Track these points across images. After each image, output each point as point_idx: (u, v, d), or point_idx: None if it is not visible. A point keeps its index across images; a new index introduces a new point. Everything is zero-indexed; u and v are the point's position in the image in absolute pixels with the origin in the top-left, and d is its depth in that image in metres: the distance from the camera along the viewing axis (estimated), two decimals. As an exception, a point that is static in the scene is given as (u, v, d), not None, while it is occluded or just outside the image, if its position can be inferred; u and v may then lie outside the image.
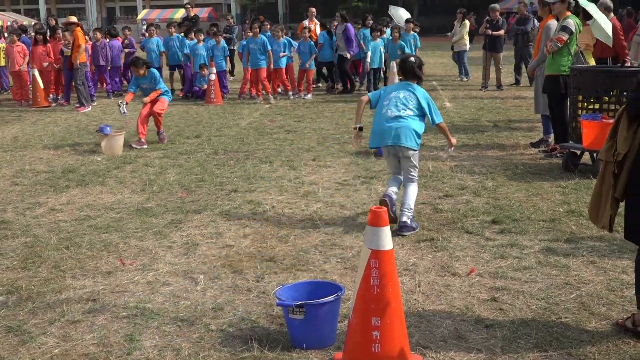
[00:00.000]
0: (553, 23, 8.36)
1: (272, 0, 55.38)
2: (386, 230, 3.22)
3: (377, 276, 3.20)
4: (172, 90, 16.49)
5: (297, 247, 5.14)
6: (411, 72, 5.54)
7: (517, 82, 16.42)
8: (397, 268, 3.85)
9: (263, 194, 6.77)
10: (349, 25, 14.96)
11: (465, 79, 18.19)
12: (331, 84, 15.89)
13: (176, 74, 16.61)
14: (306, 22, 16.53)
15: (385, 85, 14.36)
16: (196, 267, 4.80)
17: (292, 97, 14.69)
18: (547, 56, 8.15)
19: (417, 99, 5.44)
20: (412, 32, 15.73)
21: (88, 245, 5.26)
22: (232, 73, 18.79)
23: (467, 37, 17.92)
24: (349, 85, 15.34)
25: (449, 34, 18.48)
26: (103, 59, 15.61)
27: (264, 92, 14.48)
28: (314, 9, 16.91)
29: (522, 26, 15.37)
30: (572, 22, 7.90)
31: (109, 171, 7.98)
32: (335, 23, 15.50)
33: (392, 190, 5.54)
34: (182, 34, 16.06)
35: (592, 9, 8.72)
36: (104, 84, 16.16)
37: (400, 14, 18.48)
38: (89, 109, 13.62)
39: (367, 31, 15.41)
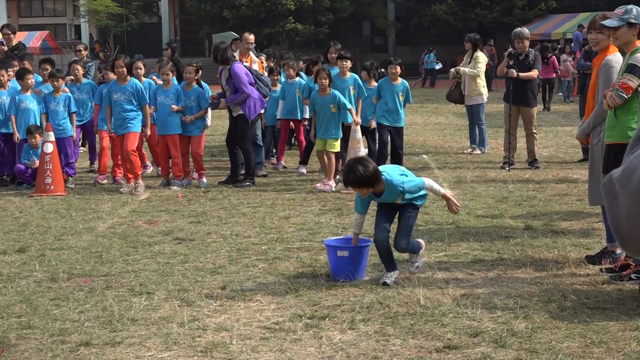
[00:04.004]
0: (616, 59, 8.76)
1: (152, 21, 56.83)
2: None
3: None
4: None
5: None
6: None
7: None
8: None
9: (135, 349, 6.68)
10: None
11: (479, 152, 18.63)
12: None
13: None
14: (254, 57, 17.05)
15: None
16: None
17: (177, 186, 14.88)
18: (608, 113, 8.49)
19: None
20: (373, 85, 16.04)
21: None
22: (83, 142, 18.86)
23: (483, 81, 18.40)
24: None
25: (453, 72, 18.97)
26: None
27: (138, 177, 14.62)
28: (251, 37, 17.41)
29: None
30: (647, 58, 8.32)
31: None
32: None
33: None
34: None
35: None
36: None
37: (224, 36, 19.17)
38: None
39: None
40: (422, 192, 8.47)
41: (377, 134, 15.69)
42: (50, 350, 6.70)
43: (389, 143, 15.43)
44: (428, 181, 8.45)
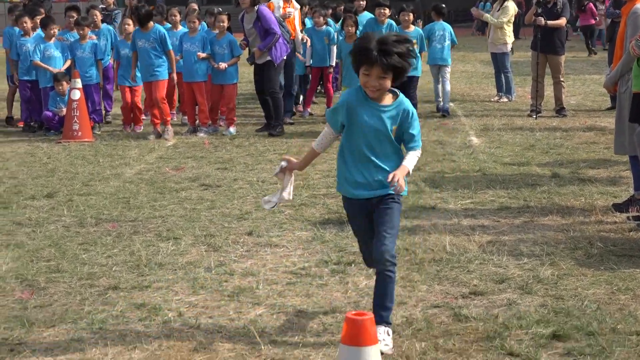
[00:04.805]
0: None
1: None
2: (372, 352, 3.24)
3: None
4: (10, 118, 16.59)
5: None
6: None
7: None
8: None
9: (162, 293, 6.73)
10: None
11: (506, 100, 18.55)
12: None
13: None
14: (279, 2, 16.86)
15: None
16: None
17: (204, 133, 14.93)
18: (634, 62, 8.40)
19: None
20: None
21: None
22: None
23: (510, 29, 18.30)
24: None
25: (477, 12, 18.83)
26: None
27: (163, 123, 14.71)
28: None
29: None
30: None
31: None
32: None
33: None
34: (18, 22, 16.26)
35: None
36: None
37: None
38: None
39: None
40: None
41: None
42: (79, 293, 6.76)
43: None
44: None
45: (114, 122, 16.81)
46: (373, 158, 5.63)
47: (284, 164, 5.95)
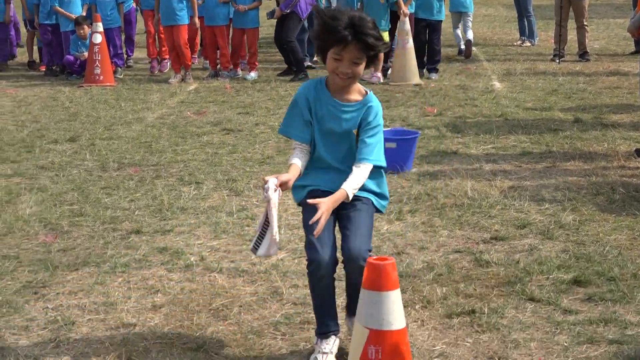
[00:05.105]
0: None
1: None
2: (393, 297, 3.24)
3: (380, 374, 3.21)
4: (32, 62, 16.63)
5: (243, 327, 5.13)
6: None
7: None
8: (413, 361, 3.87)
9: (185, 237, 6.77)
10: None
11: (529, 44, 18.43)
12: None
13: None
14: None
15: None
16: (70, 362, 4.76)
17: (225, 77, 14.89)
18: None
19: None
20: None
21: None
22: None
23: None
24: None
25: None
26: None
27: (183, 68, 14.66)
28: None
29: None
30: None
31: None
32: None
33: None
34: None
35: None
36: None
37: None
38: None
39: None
40: (384, 186, 4.79)
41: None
42: (102, 237, 6.80)
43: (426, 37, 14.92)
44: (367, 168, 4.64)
45: (135, 67, 16.82)
46: (336, 165, 4.67)
47: (271, 184, 4.38)
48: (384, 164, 4.63)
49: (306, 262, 4.54)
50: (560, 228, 6.77)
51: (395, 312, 3.23)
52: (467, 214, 7.19)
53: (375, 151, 4.57)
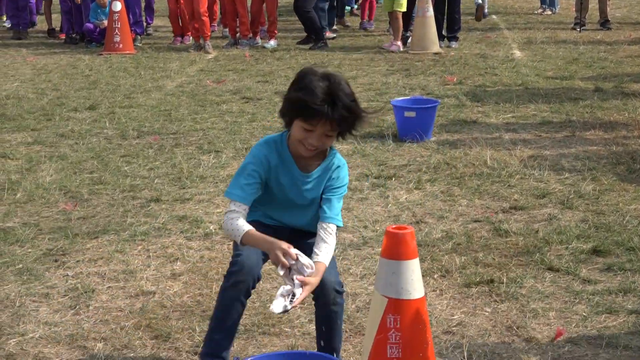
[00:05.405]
0: None
1: None
2: (412, 266, 3.24)
3: (398, 343, 3.21)
4: (52, 30, 16.66)
5: (263, 296, 5.14)
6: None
7: None
8: (432, 330, 3.87)
9: (204, 206, 6.78)
10: None
11: (550, 12, 18.34)
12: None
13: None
14: None
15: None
16: (91, 329, 4.79)
17: (245, 45, 14.87)
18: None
19: None
20: None
21: None
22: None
23: None
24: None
25: None
26: None
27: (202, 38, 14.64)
28: None
29: None
30: None
31: (-60, 167, 7.97)
32: None
33: None
34: None
35: None
36: None
37: None
38: None
39: None
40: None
41: None
42: (122, 205, 6.82)
43: (445, 6, 14.81)
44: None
45: (155, 35, 16.81)
46: (298, 228, 4.18)
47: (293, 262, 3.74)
48: (342, 224, 4.09)
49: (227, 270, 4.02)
50: (580, 198, 6.74)
51: (414, 281, 3.23)
52: (487, 183, 7.17)
53: (339, 211, 4.06)
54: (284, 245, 3.73)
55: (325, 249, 3.91)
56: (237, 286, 3.92)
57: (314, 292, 3.89)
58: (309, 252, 3.88)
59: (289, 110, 3.89)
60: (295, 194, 4.00)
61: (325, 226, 3.97)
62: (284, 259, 3.69)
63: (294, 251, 3.72)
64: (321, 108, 3.74)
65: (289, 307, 3.67)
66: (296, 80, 3.89)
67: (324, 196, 4.01)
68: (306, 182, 3.98)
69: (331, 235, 3.97)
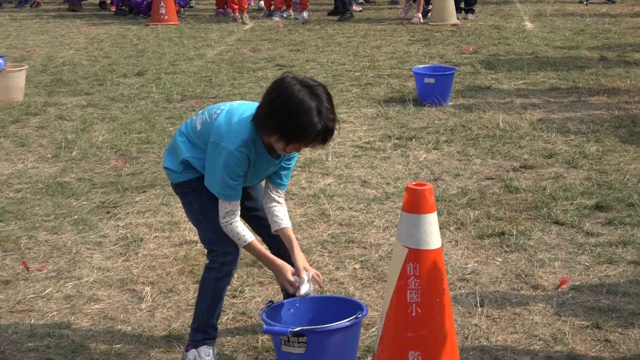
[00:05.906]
0: None
1: None
2: (431, 219, 3.25)
3: (417, 289, 3.24)
4: (103, 3, 16.68)
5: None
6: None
7: None
8: (448, 277, 3.89)
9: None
10: None
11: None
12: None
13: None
14: None
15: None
16: (139, 274, 4.85)
17: (279, 17, 14.82)
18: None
19: None
20: None
21: (-27, 241, 5.32)
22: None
23: None
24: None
25: None
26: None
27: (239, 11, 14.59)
28: None
29: None
30: None
31: (3, 127, 8.02)
32: None
33: None
34: None
35: None
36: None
37: None
38: None
39: None
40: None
41: None
42: (167, 163, 6.85)
43: None
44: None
45: (197, 7, 16.80)
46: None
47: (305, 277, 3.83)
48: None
49: (211, 255, 3.90)
50: (584, 158, 6.71)
51: (432, 233, 3.24)
52: (499, 144, 7.15)
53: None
54: (289, 276, 3.81)
55: (286, 213, 3.94)
56: (230, 275, 3.90)
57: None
58: (259, 191, 4.03)
59: (285, 134, 3.65)
60: (264, 170, 3.90)
61: (281, 193, 3.97)
62: (290, 287, 3.81)
63: (295, 278, 3.80)
64: (316, 138, 3.72)
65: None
66: (284, 100, 3.71)
67: (282, 166, 3.93)
68: (275, 164, 3.88)
69: (285, 200, 3.99)
